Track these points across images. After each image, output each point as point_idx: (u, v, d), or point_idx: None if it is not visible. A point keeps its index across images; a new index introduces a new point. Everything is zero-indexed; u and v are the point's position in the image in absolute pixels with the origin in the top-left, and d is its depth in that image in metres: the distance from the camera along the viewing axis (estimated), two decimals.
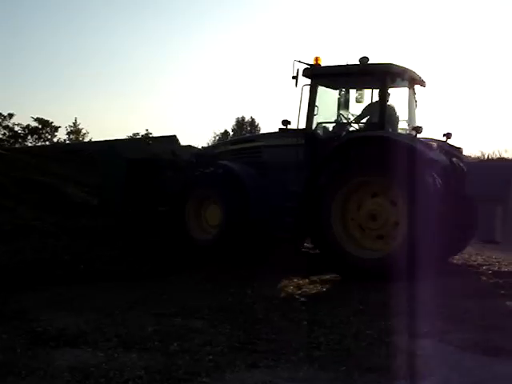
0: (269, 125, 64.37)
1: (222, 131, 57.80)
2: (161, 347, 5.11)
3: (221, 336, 5.42)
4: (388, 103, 8.80)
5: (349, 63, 8.87)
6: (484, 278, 7.97)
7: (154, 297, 7.14)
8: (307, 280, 7.99)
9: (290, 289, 7.58)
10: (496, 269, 8.60)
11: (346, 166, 8.15)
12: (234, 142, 10.50)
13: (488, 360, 4.89)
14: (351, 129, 9.17)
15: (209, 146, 11.36)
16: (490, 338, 5.37)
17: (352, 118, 9.31)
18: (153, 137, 32.62)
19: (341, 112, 9.30)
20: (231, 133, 58.52)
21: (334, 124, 9.24)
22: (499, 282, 7.67)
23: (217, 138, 56.87)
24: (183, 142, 22.13)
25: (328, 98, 9.32)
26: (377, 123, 8.63)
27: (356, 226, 8.20)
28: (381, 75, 8.67)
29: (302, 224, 8.53)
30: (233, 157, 9.91)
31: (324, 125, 9.16)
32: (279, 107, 76.76)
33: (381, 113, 8.61)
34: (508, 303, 6.75)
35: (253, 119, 58.78)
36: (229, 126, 58.59)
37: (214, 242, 9.15)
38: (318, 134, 9.08)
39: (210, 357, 4.83)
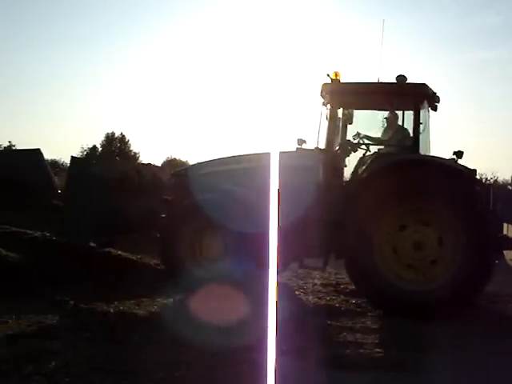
0: (141, 141, 63.40)
1: (91, 146, 56.25)
2: (15, 370, 4.88)
3: (79, 357, 5.27)
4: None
5: (382, 81, 8.47)
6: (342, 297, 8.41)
7: (8, 317, 6.79)
8: (171, 299, 7.97)
9: (154, 308, 7.52)
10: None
11: (395, 190, 7.63)
12: (224, 162, 9.09)
13: (343, 375, 5.18)
14: (372, 150, 8.65)
15: (191, 166, 10.02)
16: (345, 354, 5.71)
17: (374, 140, 8.80)
18: (16, 149, 31.24)
19: (361, 132, 8.71)
20: (100, 148, 57.11)
21: (357, 145, 8.62)
22: (357, 301, 8.16)
23: (85, 152, 55.25)
24: (48, 155, 21.47)
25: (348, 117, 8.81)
26: (410, 146, 8.27)
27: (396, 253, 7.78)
28: (417, 96, 8.29)
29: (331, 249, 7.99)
30: (225, 179, 8.69)
31: (346, 145, 8.61)
32: (151, 124, 76.26)
33: (415, 135, 8.23)
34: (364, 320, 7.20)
35: (123, 135, 57.78)
36: (98, 141, 57.13)
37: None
38: (341, 155, 8.57)
39: (67, 379, 4.69)
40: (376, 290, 7.53)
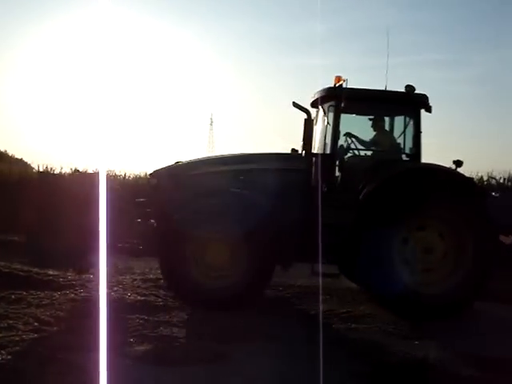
0: None
1: None
2: None
3: None
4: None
5: (388, 89, 8.62)
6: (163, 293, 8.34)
7: None
8: None
9: None
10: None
11: (412, 199, 7.72)
12: (221, 161, 8.45)
13: (160, 370, 5.16)
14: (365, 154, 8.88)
15: (176, 165, 8.53)
16: (163, 350, 5.67)
17: (366, 144, 8.88)
18: None
19: (358, 137, 8.75)
20: None
21: (355, 150, 8.70)
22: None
23: None
24: None
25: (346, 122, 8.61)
26: (413, 154, 8.56)
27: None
28: (420, 105, 8.55)
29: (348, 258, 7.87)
30: (223, 180, 8.06)
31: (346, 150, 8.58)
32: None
33: (417, 143, 8.56)
34: (181, 314, 7.25)
35: None
36: None
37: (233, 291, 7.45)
38: (345, 160, 8.49)
39: None
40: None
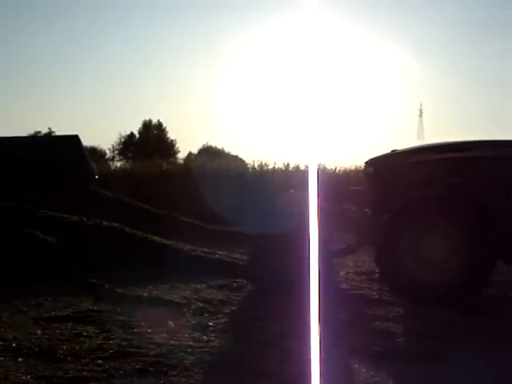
0: (177, 129, 63.89)
1: (128, 133, 56.88)
2: (48, 351, 4.94)
3: (111, 341, 5.30)
4: None
5: None
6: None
7: (44, 299, 6.91)
8: (204, 285, 7.99)
9: (187, 293, 7.54)
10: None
11: None
12: (440, 149, 7.96)
13: (378, 365, 5.03)
14: None
15: (392, 153, 8.52)
16: (380, 344, 5.61)
17: None
18: (54, 136, 31.79)
19: None
20: (137, 135, 57.68)
21: None
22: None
23: (122, 139, 55.90)
24: (86, 142, 21.84)
25: None
26: None
27: None
28: None
29: None
30: (440, 168, 7.61)
31: None
32: (187, 111, 76.63)
33: None
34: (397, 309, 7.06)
35: (160, 123, 58.26)
36: (135, 128, 57.73)
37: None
38: None
39: (100, 361, 4.73)
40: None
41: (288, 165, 21.06)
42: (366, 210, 8.23)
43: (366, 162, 8.69)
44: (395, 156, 8.28)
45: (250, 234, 10.23)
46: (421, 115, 58.53)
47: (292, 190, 9.02)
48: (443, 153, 7.79)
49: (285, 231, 7.68)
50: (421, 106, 59.50)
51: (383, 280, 7.85)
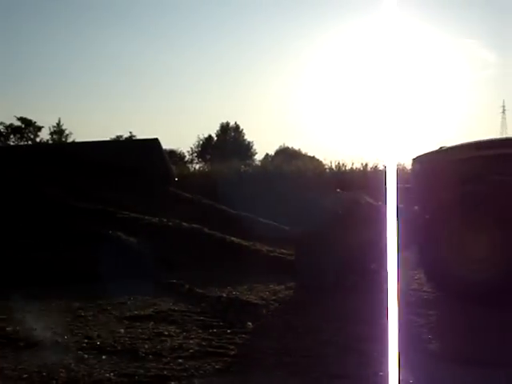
0: (254, 131, 64.40)
1: (206, 136, 57.74)
2: (131, 350, 5.08)
3: (192, 340, 5.39)
4: None
5: None
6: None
7: (126, 299, 7.11)
8: (283, 286, 7.99)
9: (266, 294, 7.56)
10: None
11: None
12: (486, 145, 7.85)
13: (461, 369, 4.90)
14: None
15: (437, 151, 8.36)
16: (463, 348, 5.42)
17: None
18: (135, 139, 32.70)
19: None
20: (215, 138, 58.49)
21: None
22: None
23: (200, 142, 56.84)
24: (165, 145, 22.31)
25: None
26: None
27: None
28: None
29: None
30: (486, 165, 7.44)
31: None
32: (264, 113, 77.04)
33: None
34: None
35: (237, 125, 58.80)
36: (212, 130, 58.61)
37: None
38: None
39: (180, 361, 4.81)
40: None
41: (366, 165, 20.79)
42: (415, 207, 8.05)
43: (413, 159, 8.58)
44: (442, 153, 8.16)
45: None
46: (503, 112, 56.50)
47: (339, 190, 8.95)
48: (489, 149, 7.62)
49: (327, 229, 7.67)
50: (504, 102, 57.38)
51: (429, 280, 7.60)
